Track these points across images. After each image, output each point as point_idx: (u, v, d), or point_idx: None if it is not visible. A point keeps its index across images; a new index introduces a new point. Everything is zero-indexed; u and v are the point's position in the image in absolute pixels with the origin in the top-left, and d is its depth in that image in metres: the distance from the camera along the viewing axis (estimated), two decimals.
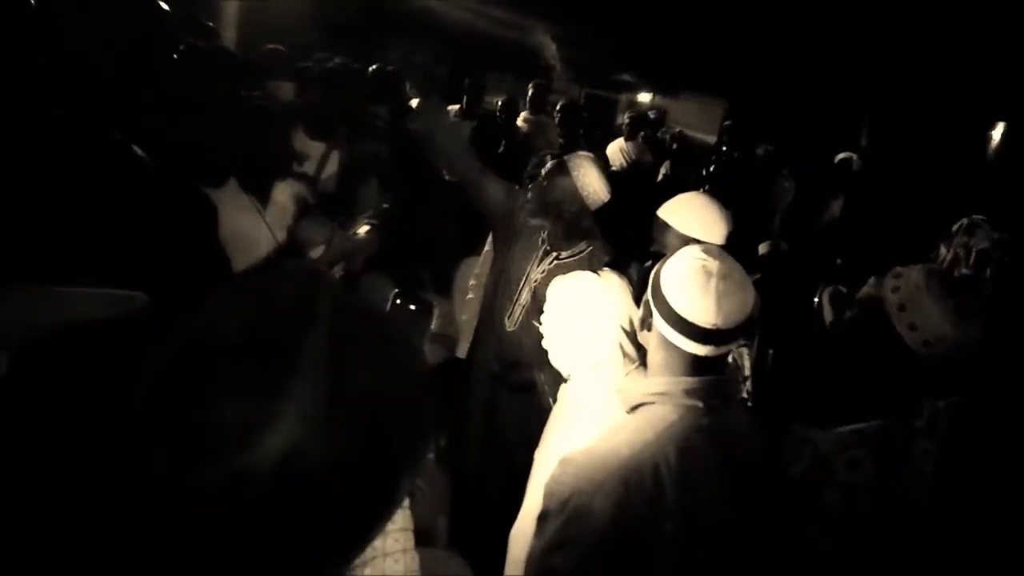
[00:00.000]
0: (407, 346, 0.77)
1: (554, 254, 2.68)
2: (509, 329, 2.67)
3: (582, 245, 2.67)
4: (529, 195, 2.73)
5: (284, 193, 2.82)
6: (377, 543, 1.02)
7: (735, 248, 2.24)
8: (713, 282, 1.34)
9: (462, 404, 2.89)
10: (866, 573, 1.55)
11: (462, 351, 3.26)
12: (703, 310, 1.33)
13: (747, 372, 2.54)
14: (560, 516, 1.29)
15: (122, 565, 0.68)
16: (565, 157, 2.70)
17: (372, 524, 0.71)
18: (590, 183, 2.59)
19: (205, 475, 0.58)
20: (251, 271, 2.59)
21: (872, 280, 1.75)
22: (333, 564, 0.71)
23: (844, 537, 1.55)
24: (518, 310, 2.67)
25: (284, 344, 0.62)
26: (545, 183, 2.65)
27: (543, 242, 2.73)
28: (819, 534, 1.56)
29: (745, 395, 2.50)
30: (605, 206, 2.65)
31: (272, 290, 0.70)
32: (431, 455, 2.47)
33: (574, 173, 2.60)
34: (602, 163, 2.76)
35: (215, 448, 0.59)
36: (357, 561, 0.97)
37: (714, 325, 1.33)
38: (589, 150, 2.89)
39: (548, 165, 2.71)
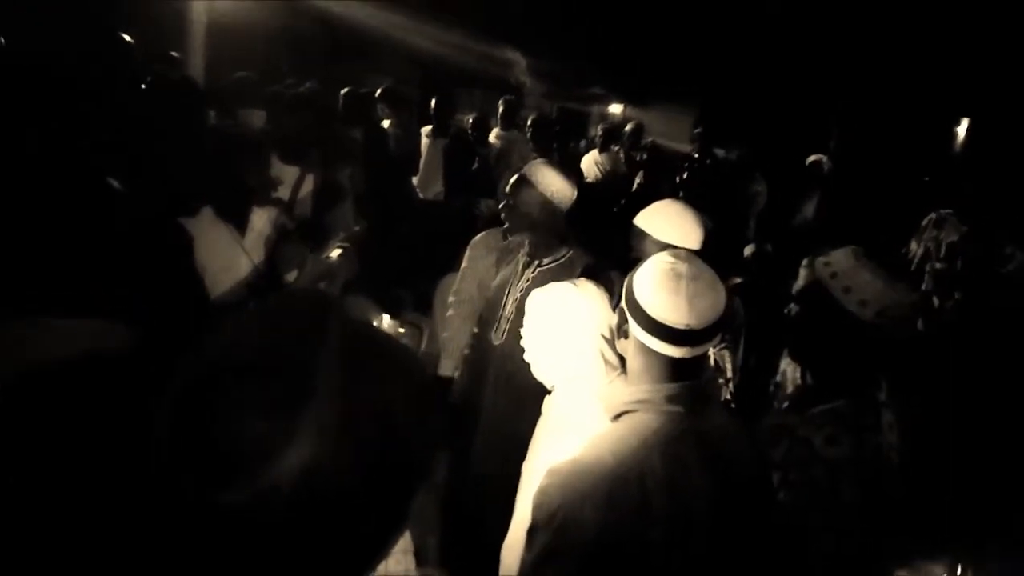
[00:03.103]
0: (413, 363, 0.79)
1: (535, 263, 2.71)
2: (496, 343, 2.67)
3: (563, 250, 2.71)
4: (503, 215, 2.76)
5: (262, 219, 2.82)
6: (379, 566, 1.02)
7: (712, 252, 2.28)
8: (683, 283, 1.37)
9: (450, 421, 2.88)
10: (857, 540, 1.61)
11: (445, 368, 3.26)
12: (676, 311, 1.35)
13: (730, 374, 2.57)
14: (549, 528, 1.29)
15: None
16: (523, 170, 2.76)
17: (386, 539, 0.73)
18: (553, 185, 2.65)
19: (228, 495, 0.60)
20: (249, 292, 2.58)
21: (802, 272, 1.86)
22: None
23: (833, 509, 1.61)
24: (503, 323, 2.68)
25: (298, 365, 0.64)
26: (512, 200, 2.70)
27: (523, 254, 2.76)
28: (809, 510, 1.62)
29: (728, 396, 2.52)
30: (578, 211, 2.69)
31: (284, 314, 0.72)
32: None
33: (535, 180, 2.67)
34: (558, 165, 2.83)
35: (237, 468, 0.60)
36: None
37: (687, 326, 1.35)
38: (563, 163, 2.94)
39: (510, 182, 2.76)
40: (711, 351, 2.47)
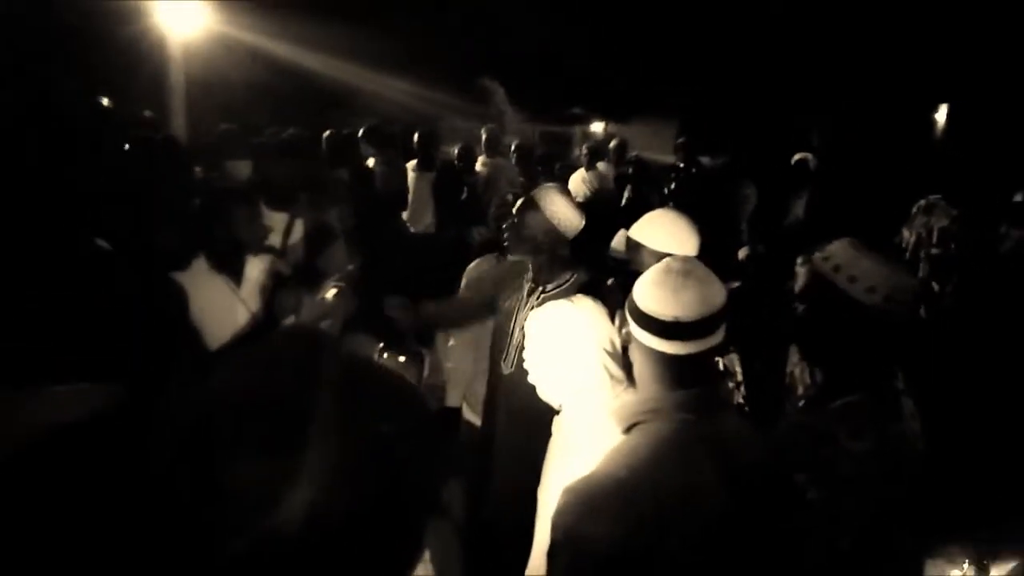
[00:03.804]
0: (412, 395, 0.79)
1: (539, 289, 2.65)
2: (506, 372, 2.62)
3: (566, 275, 2.63)
4: (505, 234, 2.72)
5: (256, 268, 2.82)
6: None
7: (707, 258, 2.28)
8: (672, 277, 1.39)
9: (466, 453, 2.86)
10: (884, 532, 1.59)
11: (452, 399, 3.23)
12: (663, 303, 1.36)
13: (740, 377, 2.55)
14: (568, 548, 1.27)
15: None
16: (532, 192, 2.69)
17: (399, 573, 0.72)
18: (560, 212, 2.58)
19: (234, 542, 0.59)
20: (248, 340, 2.57)
21: (800, 271, 1.84)
22: None
23: (861, 502, 1.58)
24: (512, 352, 2.62)
25: (294, 404, 0.64)
26: (517, 220, 2.64)
27: (528, 280, 2.71)
28: (838, 505, 1.59)
29: (741, 400, 2.49)
30: (580, 233, 2.65)
31: (277, 354, 0.72)
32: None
33: (542, 205, 2.59)
34: (568, 191, 2.77)
35: (241, 514, 0.60)
36: None
37: (675, 318, 1.35)
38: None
39: (518, 203, 2.71)
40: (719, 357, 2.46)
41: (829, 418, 1.68)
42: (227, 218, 2.67)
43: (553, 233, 2.58)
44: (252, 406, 0.65)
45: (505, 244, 2.74)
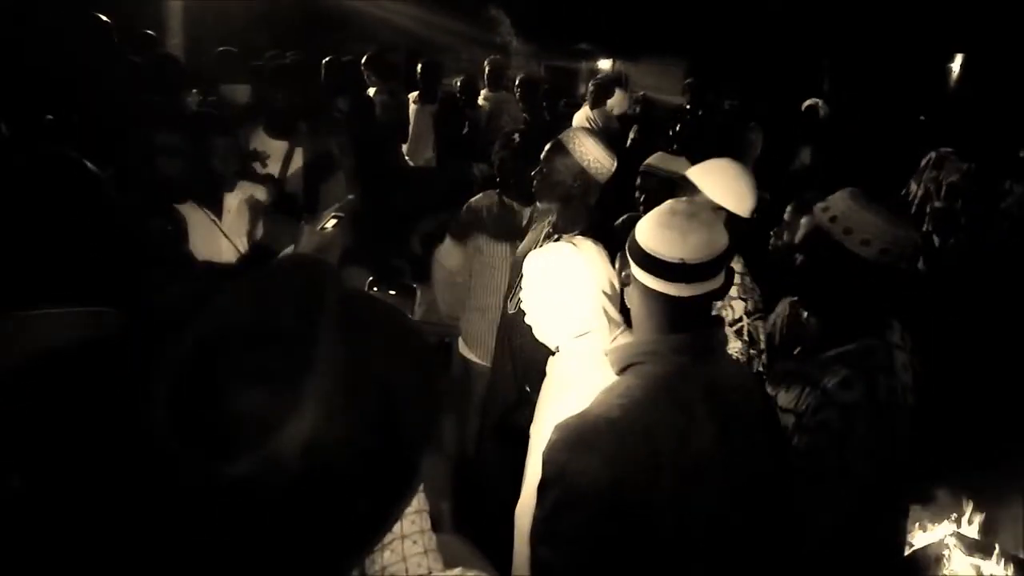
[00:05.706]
0: (411, 329, 0.79)
1: (556, 237, 2.55)
2: (511, 312, 2.60)
3: (587, 225, 2.52)
4: (534, 184, 2.61)
5: (236, 199, 2.77)
6: (395, 526, 1.03)
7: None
8: (678, 219, 1.36)
9: (461, 389, 2.88)
10: (870, 483, 1.62)
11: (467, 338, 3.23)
12: (668, 244, 1.34)
13: (763, 346, 2.45)
14: (558, 483, 1.28)
15: (152, 562, 0.68)
16: (559, 136, 2.58)
17: (395, 505, 0.73)
18: (591, 154, 2.48)
19: (233, 467, 0.60)
20: (243, 270, 2.56)
21: (804, 221, 1.80)
22: (358, 548, 0.75)
23: (846, 452, 1.60)
24: (519, 292, 2.60)
25: (298, 333, 0.64)
26: (545, 168, 2.54)
27: (549, 223, 2.63)
28: (823, 454, 1.61)
29: (761, 368, 2.42)
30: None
31: (281, 283, 0.72)
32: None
33: (571, 148, 2.49)
34: (599, 133, 2.65)
35: (242, 439, 0.60)
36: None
37: (680, 259, 1.33)
38: (553, 122, 2.85)
39: (545, 149, 2.59)
40: (744, 322, 2.41)
41: (821, 366, 1.69)
42: (204, 147, 2.60)
43: (583, 177, 2.48)
44: (254, 333, 0.64)
45: (535, 190, 2.63)
